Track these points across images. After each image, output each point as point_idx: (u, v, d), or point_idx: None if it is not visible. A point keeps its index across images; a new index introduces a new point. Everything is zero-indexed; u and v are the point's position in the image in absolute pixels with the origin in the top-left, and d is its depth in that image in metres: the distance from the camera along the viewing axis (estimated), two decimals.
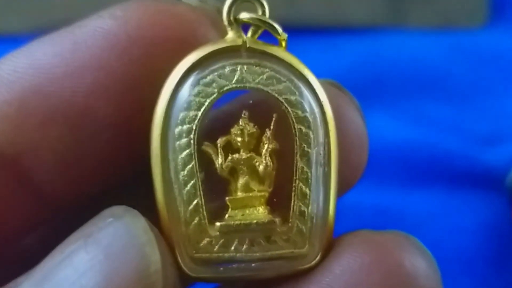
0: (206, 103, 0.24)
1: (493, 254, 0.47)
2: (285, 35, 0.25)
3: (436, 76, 0.54)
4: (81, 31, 0.24)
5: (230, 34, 0.25)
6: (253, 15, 0.25)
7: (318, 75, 0.56)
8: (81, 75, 0.24)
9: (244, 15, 0.25)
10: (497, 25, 0.57)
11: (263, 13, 0.25)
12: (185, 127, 0.24)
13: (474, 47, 0.55)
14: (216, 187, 0.25)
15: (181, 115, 0.24)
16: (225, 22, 0.25)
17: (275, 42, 0.26)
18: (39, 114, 0.24)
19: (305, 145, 0.24)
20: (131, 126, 0.25)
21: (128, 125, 0.25)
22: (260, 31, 0.25)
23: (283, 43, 0.25)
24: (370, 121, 0.51)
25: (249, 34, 0.25)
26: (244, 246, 0.24)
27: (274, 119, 0.25)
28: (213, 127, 0.25)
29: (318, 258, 0.25)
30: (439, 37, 0.55)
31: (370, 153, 0.49)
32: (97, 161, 0.25)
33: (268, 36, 0.26)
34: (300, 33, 0.53)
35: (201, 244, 0.24)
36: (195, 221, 0.24)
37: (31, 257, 0.28)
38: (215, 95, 0.24)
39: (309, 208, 0.25)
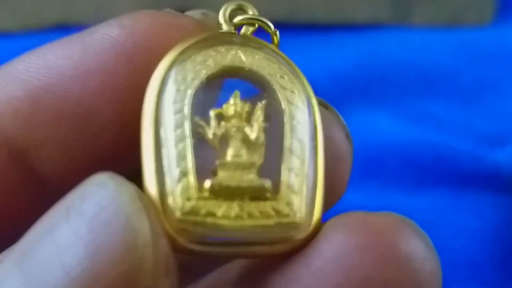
0: (202, 74, 0.25)
1: (502, 257, 0.46)
2: (276, 30, 0.27)
3: (442, 75, 0.53)
4: (90, 37, 0.26)
5: (225, 27, 0.27)
6: (245, 16, 0.27)
7: (320, 74, 0.55)
8: (88, 77, 0.25)
9: (238, 18, 0.27)
10: (504, 22, 0.56)
11: (253, 14, 0.27)
12: (181, 92, 0.25)
13: (481, 44, 0.55)
14: (206, 159, 0.25)
15: (178, 82, 0.25)
16: (221, 21, 0.27)
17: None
18: (48, 111, 0.25)
19: (295, 121, 0.25)
20: (134, 127, 0.25)
21: (131, 126, 0.25)
22: (252, 29, 0.27)
23: (275, 38, 0.27)
24: (374, 120, 0.51)
25: (243, 31, 0.27)
26: (233, 213, 0.23)
27: (263, 104, 0.25)
28: None
29: (310, 231, 0.24)
30: (445, 35, 0.55)
31: (374, 154, 0.49)
32: (101, 158, 0.26)
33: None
34: (302, 31, 0.54)
35: (188, 206, 0.23)
36: (184, 181, 0.23)
37: None
38: (211, 68, 0.25)
39: (299, 178, 0.24)
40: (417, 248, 0.23)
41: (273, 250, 0.24)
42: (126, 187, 0.21)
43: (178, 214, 0.23)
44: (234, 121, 0.25)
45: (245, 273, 0.27)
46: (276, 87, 0.26)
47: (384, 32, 0.54)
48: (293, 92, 0.26)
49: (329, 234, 0.23)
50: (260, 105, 0.25)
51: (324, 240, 0.23)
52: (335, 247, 0.23)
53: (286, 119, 0.25)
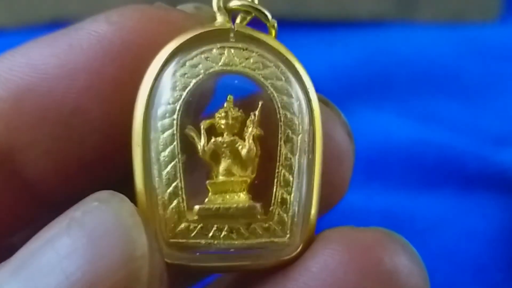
0: (191, 84, 0.24)
1: (507, 259, 0.46)
2: (274, 21, 0.25)
3: (447, 73, 0.52)
4: (77, 33, 0.25)
5: (219, 19, 0.25)
6: (243, 2, 0.25)
7: (322, 72, 0.54)
8: (74, 76, 0.25)
9: (234, 3, 0.25)
10: (510, 19, 0.56)
11: (252, 1, 0.26)
12: (169, 107, 0.24)
13: (486, 42, 0.54)
14: (197, 172, 0.25)
15: (166, 95, 0.24)
16: (215, 9, 0.25)
17: (265, 31, 0.26)
18: (32, 112, 0.25)
19: (290, 131, 0.24)
20: (122, 128, 0.25)
21: (119, 127, 0.25)
22: (249, 18, 0.26)
23: (273, 31, 0.26)
24: (377, 120, 0.50)
25: (238, 20, 0.25)
26: (223, 233, 0.24)
27: (259, 106, 0.25)
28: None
29: (299, 249, 0.24)
30: (450, 32, 0.54)
31: (377, 154, 0.49)
32: (88, 161, 0.26)
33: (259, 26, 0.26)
34: (305, 27, 0.53)
35: (178, 229, 0.24)
36: (174, 204, 0.24)
37: None
38: (201, 76, 0.24)
39: (292, 196, 0.24)
40: (402, 263, 0.23)
41: (262, 267, 0.24)
42: (126, 203, 0.21)
43: (169, 236, 0.24)
44: (225, 136, 0.25)
45: (236, 284, 0.27)
46: (271, 91, 0.24)
47: (387, 29, 0.54)
48: (290, 96, 0.24)
49: (316, 250, 0.24)
50: (253, 117, 0.25)
51: (311, 255, 0.24)
52: (321, 262, 0.23)
53: (281, 129, 0.24)
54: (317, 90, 0.27)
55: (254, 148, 0.24)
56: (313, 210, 0.24)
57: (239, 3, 0.25)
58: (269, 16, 0.25)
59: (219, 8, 0.25)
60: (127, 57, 0.25)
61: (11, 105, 0.24)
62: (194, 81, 0.24)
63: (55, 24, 0.51)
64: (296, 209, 0.24)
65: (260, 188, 0.25)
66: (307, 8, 0.54)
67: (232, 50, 0.24)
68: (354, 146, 0.27)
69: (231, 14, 0.25)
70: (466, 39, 0.54)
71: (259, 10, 0.25)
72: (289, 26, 0.49)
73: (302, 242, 0.24)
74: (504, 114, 0.51)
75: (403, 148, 0.48)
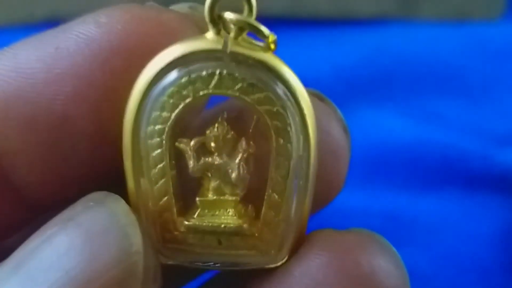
0: (180, 106, 0.23)
1: (510, 261, 0.46)
2: (273, 37, 0.23)
3: (450, 71, 0.52)
4: (64, 36, 0.24)
5: (211, 32, 0.23)
6: (237, 16, 0.23)
7: (323, 71, 0.54)
8: (61, 82, 0.24)
9: (228, 15, 0.23)
10: None
11: (250, 11, 0.23)
12: (157, 127, 0.24)
13: (489, 40, 0.54)
14: (189, 178, 0.25)
15: (154, 114, 0.24)
16: (207, 19, 0.23)
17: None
18: (19, 118, 0.24)
19: (282, 158, 0.24)
20: (111, 135, 0.25)
21: (108, 135, 0.25)
22: (244, 33, 0.23)
23: (272, 46, 0.23)
24: (379, 119, 0.50)
25: (232, 35, 0.23)
26: (212, 244, 0.25)
27: (254, 121, 0.24)
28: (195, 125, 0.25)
29: (285, 259, 0.25)
30: (453, 30, 0.54)
31: (379, 154, 0.48)
32: (77, 167, 0.25)
33: None
34: (304, 26, 0.53)
35: (169, 237, 0.25)
36: (164, 216, 0.24)
37: None
38: (189, 99, 0.23)
39: (280, 217, 0.24)
40: (380, 265, 0.23)
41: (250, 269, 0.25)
42: (121, 203, 0.22)
43: (159, 243, 0.25)
44: (215, 157, 0.25)
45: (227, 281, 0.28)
46: (264, 117, 0.23)
47: (389, 27, 0.53)
48: (284, 123, 0.23)
49: (300, 254, 0.24)
50: (244, 143, 0.24)
51: (296, 260, 0.24)
52: (303, 266, 0.24)
53: (273, 155, 0.24)
54: (318, 89, 0.26)
55: (244, 172, 0.25)
56: (301, 228, 0.25)
57: (233, 17, 0.23)
58: (267, 32, 0.23)
59: (211, 19, 0.23)
60: (117, 61, 0.24)
61: None
62: (183, 103, 0.23)
63: (52, 23, 0.51)
64: (284, 229, 0.24)
65: (254, 198, 0.25)
66: (308, 6, 0.53)
67: (225, 72, 0.23)
68: (350, 141, 0.27)
69: (226, 23, 0.23)
70: (469, 37, 0.53)
71: (255, 27, 0.23)
72: (287, 24, 0.49)
73: (289, 253, 0.25)
74: (508, 114, 0.51)
75: (405, 148, 0.48)
